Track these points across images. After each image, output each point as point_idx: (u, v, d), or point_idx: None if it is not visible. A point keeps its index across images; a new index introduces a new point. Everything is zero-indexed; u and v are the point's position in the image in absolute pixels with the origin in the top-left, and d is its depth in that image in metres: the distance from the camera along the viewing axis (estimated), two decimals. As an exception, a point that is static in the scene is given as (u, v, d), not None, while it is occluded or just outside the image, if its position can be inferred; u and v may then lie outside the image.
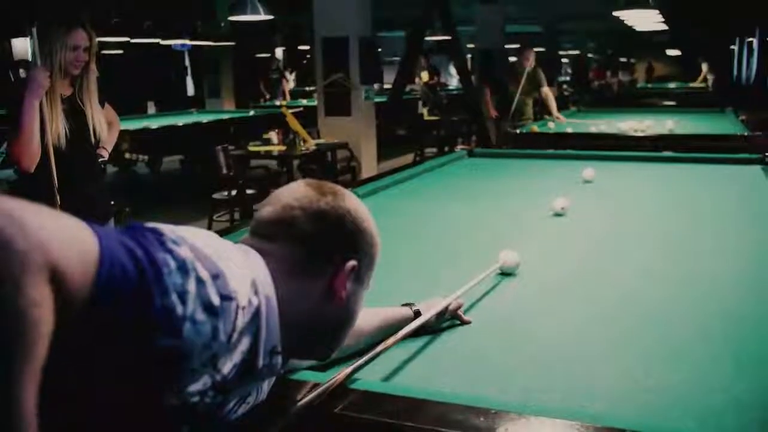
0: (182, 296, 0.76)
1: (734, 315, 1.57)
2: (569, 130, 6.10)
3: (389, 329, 1.36)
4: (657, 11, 9.36)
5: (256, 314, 0.87)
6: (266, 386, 1.02)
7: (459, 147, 4.61)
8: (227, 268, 0.84)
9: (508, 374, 1.28)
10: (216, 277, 0.81)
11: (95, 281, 0.69)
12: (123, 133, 6.65)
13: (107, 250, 0.71)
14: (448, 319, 1.52)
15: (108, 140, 2.95)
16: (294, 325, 0.96)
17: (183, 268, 0.78)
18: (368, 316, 1.34)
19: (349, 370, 1.10)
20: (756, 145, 4.56)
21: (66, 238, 0.66)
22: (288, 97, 13.32)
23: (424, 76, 11.80)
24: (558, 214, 2.60)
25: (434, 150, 9.76)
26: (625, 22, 11.94)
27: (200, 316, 0.77)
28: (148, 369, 0.76)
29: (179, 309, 0.75)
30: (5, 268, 0.59)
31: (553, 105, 6.73)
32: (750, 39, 18.41)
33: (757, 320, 1.53)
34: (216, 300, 0.80)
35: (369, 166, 7.06)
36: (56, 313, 0.63)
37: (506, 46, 11.65)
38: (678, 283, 1.81)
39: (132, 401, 0.77)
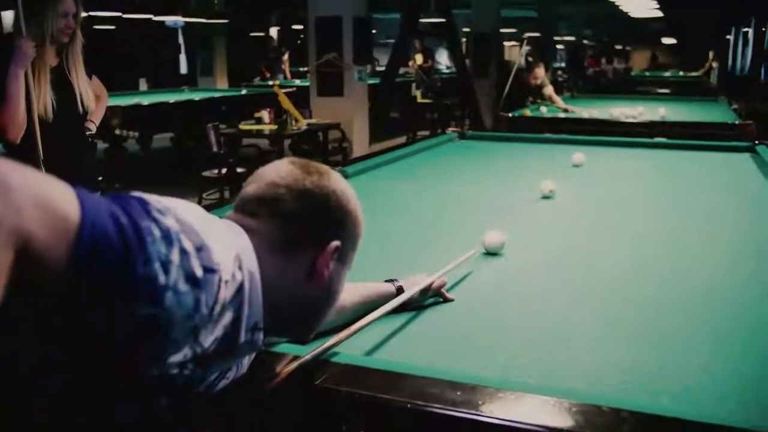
0: (165, 265, 0.76)
1: (716, 299, 1.57)
2: (561, 115, 6.10)
3: (371, 304, 1.36)
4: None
5: (240, 289, 0.87)
6: (246, 362, 1.02)
7: (450, 130, 4.59)
8: (212, 241, 0.84)
9: (488, 352, 1.28)
10: (200, 249, 0.81)
11: (75, 244, 0.69)
12: (114, 109, 6.62)
13: (90, 214, 0.71)
14: (431, 297, 1.52)
15: (96, 113, 2.92)
16: (275, 303, 0.96)
17: (167, 237, 0.78)
18: (350, 291, 1.34)
19: (329, 343, 1.09)
20: (746, 133, 4.57)
21: (44, 202, 0.67)
22: (289, 75, 13.26)
23: (418, 58, 11.76)
24: (546, 197, 2.60)
25: (427, 133, 9.75)
26: (620, 7, 11.90)
27: (183, 286, 0.77)
28: (129, 337, 0.75)
29: (161, 278, 0.75)
30: None
31: (560, 103, 6.63)
32: (746, 29, 18.41)
33: (739, 304, 1.54)
34: (199, 272, 0.79)
35: (360, 147, 7.04)
36: (13, 277, 0.64)
37: (501, 30, 11.61)
38: (662, 267, 1.82)
39: (111, 369, 0.77)
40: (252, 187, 1.03)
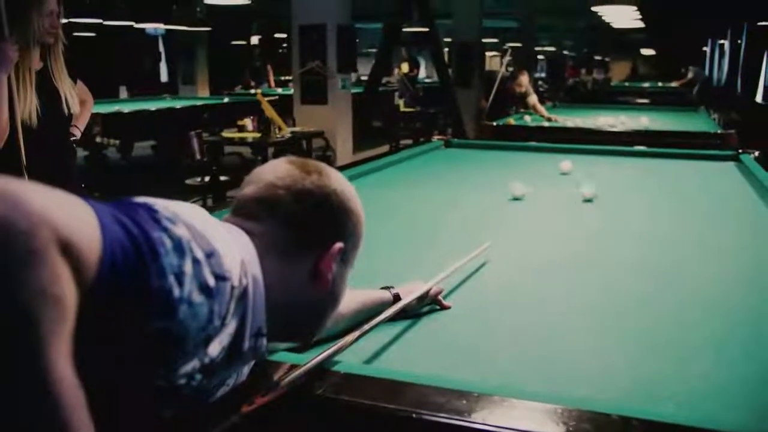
0: (179, 277, 0.73)
1: (715, 303, 1.57)
2: (545, 124, 6.12)
3: (368, 312, 1.34)
4: (635, 8, 9.42)
5: (244, 295, 0.84)
6: (246, 369, 0.99)
7: (436, 138, 4.58)
8: (220, 246, 0.81)
9: (488, 359, 1.26)
10: (210, 255, 0.78)
11: (101, 258, 0.65)
12: (94, 116, 6.55)
13: (106, 226, 0.68)
14: (428, 304, 1.50)
15: (81, 118, 2.86)
16: (278, 307, 0.93)
17: (179, 247, 0.75)
18: (348, 299, 1.31)
19: (328, 352, 1.07)
20: (729, 142, 4.62)
21: (71, 215, 0.63)
22: (273, 84, 13.21)
23: (404, 67, 11.75)
24: (516, 199, 2.60)
25: (410, 142, 9.74)
26: (603, 18, 12.01)
27: (197, 297, 0.75)
28: (141, 350, 0.73)
29: (176, 291, 0.72)
30: (12, 251, 0.56)
31: (544, 112, 6.65)
32: (722, 41, 18.67)
33: (739, 308, 1.53)
34: (211, 281, 0.77)
35: (344, 155, 7.01)
36: (77, 285, 0.61)
37: (483, 40, 11.65)
38: (659, 274, 1.81)
39: (119, 381, 0.74)
40: (250, 188, 1.00)
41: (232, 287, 0.81)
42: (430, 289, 1.47)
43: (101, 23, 11.29)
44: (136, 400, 0.77)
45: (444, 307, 1.51)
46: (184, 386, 0.79)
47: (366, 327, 1.20)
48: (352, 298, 1.34)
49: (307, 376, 1.01)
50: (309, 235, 0.98)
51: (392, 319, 1.33)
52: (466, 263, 1.70)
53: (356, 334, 1.17)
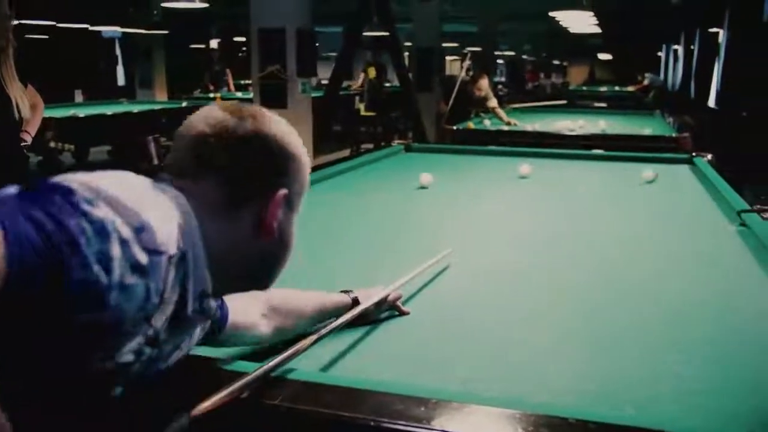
0: (106, 264, 0.69)
1: (673, 307, 1.59)
2: (504, 128, 6.17)
3: (327, 314, 1.33)
4: (591, 13, 9.57)
5: (183, 261, 0.80)
6: (199, 331, 0.97)
7: (396, 142, 4.58)
8: (151, 215, 0.76)
9: (448, 365, 1.25)
10: (141, 229, 0.73)
11: (6, 274, 0.63)
12: (48, 121, 6.39)
13: (14, 234, 0.64)
14: (387, 310, 1.49)
15: (31, 123, 2.79)
16: (225, 264, 0.90)
17: (102, 231, 0.70)
18: (308, 299, 1.32)
19: (282, 357, 1.04)
20: (683, 146, 4.71)
21: None
22: (232, 88, 13.10)
23: (371, 72, 11.69)
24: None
25: (371, 146, 9.74)
26: (560, 23, 12.18)
27: (129, 279, 0.71)
28: (75, 341, 0.70)
29: (103, 279, 0.68)
30: None
31: (503, 116, 6.69)
32: (675, 46, 19.08)
33: (693, 310, 1.55)
34: (144, 258, 0.73)
35: (305, 160, 6.97)
36: None
37: (443, 45, 11.72)
38: (619, 277, 1.83)
39: (59, 373, 0.72)
40: (182, 142, 0.94)
41: (169, 257, 0.77)
42: (389, 295, 1.45)
43: (55, 25, 11.06)
44: (80, 387, 0.74)
45: (403, 313, 1.49)
46: (134, 362, 0.77)
47: (323, 331, 1.18)
48: (312, 298, 1.33)
49: (262, 381, 0.99)
50: (248, 185, 0.93)
51: (350, 324, 1.31)
52: (426, 269, 1.69)
53: (313, 337, 1.14)
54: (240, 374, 0.97)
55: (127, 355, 0.75)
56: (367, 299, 1.38)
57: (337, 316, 1.33)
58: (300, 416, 0.96)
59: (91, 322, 0.69)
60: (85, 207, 0.70)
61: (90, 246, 0.68)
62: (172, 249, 0.77)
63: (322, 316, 1.33)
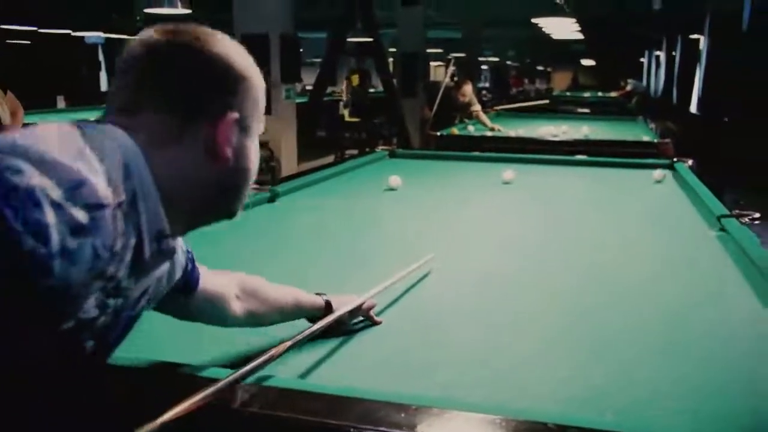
0: (41, 234, 0.65)
1: (655, 311, 1.60)
2: (488, 133, 6.20)
3: (301, 312, 1.32)
4: (574, 20, 9.64)
5: (133, 203, 0.76)
6: (166, 279, 0.95)
7: (380, 148, 4.59)
8: (89, 166, 0.71)
9: (429, 371, 1.25)
10: (77, 186, 0.69)
11: None
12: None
13: None
14: (360, 321, 1.46)
15: (11, 130, 2.77)
16: (180, 200, 0.86)
17: (31, 198, 0.65)
18: (284, 291, 1.30)
19: (255, 363, 1.03)
20: (665, 151, 4.75)
21: None
22: None
23: (354, 79, 11.69)
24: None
25: (355, 152, 9.74)
26: (543, 29, 12.26)
27: (72, 243, 0.67)
28: (29, 311, 0.67)
29: (41, 250, 0.65)
30: None
31: (487, 122, 6.72)
32: (658, 52, 19.24)
33: (677, 314, 1.57)
34: (84, 217, 0.68)
35: (289, 166, 6.96)
36: None
37: (428, 50, 11.76)
38: (599, 283, 1.84)
39: (20, 342, 0.69)
40: (119, 77, 0.88)
41: (117, 205, 0.73)
42: (364, 303, 1.42)
43: (36, 31, 10.99)
44: (45, 350, 0.72)
45: (375, 323, 1.46)
46: (99, 315, 0.75)
47: (299, 337, 1.17)
48: (287, 293, 1.32)
49: (235, 387, 0.98)
50: (194, 112, 0.87)
51: (323, 333, 1.29)
52: (407, 275, 1.69)
53: (288, 344, 1.13)
54: (213, 380, 0.97)
55: (89, 312, 0.73)
56: (341, 305, 1.35)
57: (310, 317, 1.32)
58: (278, 423, 0.96)
59: (42, 293, 0.66)
60: (10, 177, 0.66)
61: (18, 218, 0.64)
62: (117, 196, 0.73)
63: (296, 313, 1.31)
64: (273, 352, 1.08)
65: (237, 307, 1.21)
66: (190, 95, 0.86)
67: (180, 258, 1.01)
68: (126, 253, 0.75)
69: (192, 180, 0.87)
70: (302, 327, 1.26)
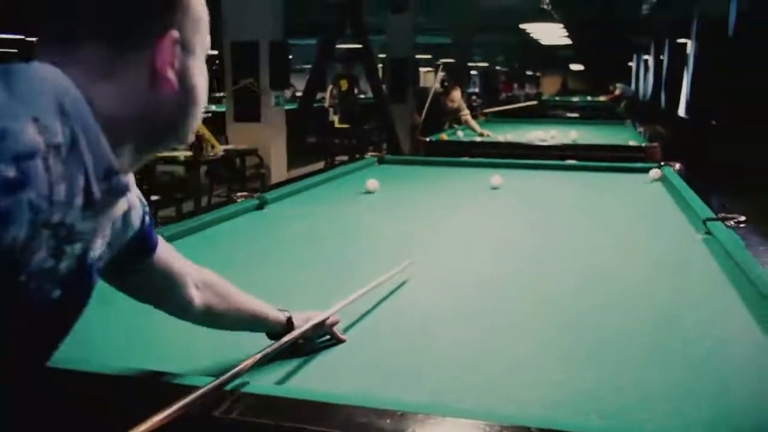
0: None
1: (643, 314, 1.61)
2: (477, 139, 6.22)
3: (259, 324, 1.28)
4: (561, 25, 9.70)
5: (73, 143, 0.72)
6: (123, 210, 0.90)
7: (369, 154, 4.59)
8: (11, 116, 0.67)
9: (417, 377, 1.26)
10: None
11: None
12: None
13: None
14: (326, 338, 1.39)
15: None
16: (127, 133, 0.82)
17: None
18: (247, 297, 1.26)
19: (231, 373, 1.03)
20: (652, 155, 4.78)
21: None
22: (206, 101, 13.07)
23: (343, 85, 11.72)
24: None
25: (345, 158, 9.75)
26: (531, 35, 12.31)
27: (3, 203, 0.63)
28: None
29: None
30: None
31: (476, 127, 6.75)
32: (646, 56, 19.37)
33: (661, 317, 1.58)
34: (11, 171, 0.64)
35: (279, 172, 6.97)
36: None
37: (417, 56, 11.79)
38: (588, 287, 1.84)
39: None
40: (48, 8, 0.83)
41: (52, 149, 0.68)
42: (327, 319, 1.35)
43: (23, 39, 10.97)
44: (8, 306, 0.70)
45: (339, 340, 1.39)
46: (57, 264, 0.73)
47: (268, 349, 1.15)
48: (251, 300, 1.27)
49: (215, 395, 0.98)
50: (130, 36, 0.82)
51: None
52: (384, 281, 1.68)
53: (257, 356, 1.11)
54: (193, 387, 0.97)
55: (44, 262, 0.70)
56: (304, 323, 1.30)
57: (270, 331, 1.29)
58: (261, 430, 0.96)
59: None
60: None
61: None
62: (50, 140, 0.69)
63: (255, 323, 1.27)
64: (244, 365, 1.07)
65: (196, 296, 1.16)
66: (124, 18, 0.81)
67: (136, 203, 0.96)
68: (73, 198, 0.72)
69: (137, 110, 0.83)
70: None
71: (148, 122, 0.84)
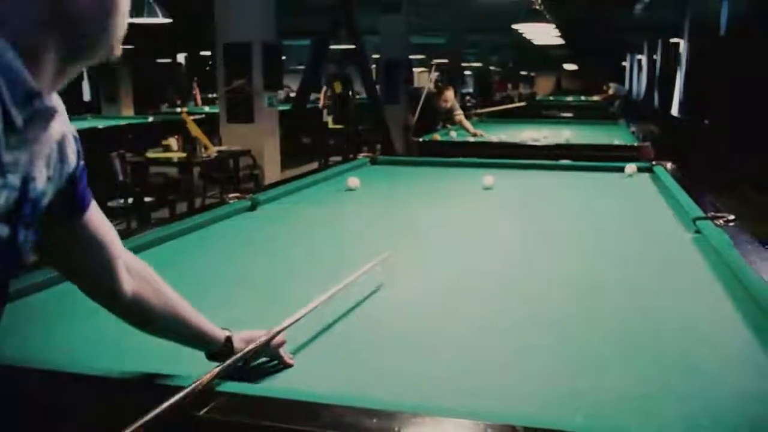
0: None
1: (630, 314, 1.62)
2: (470, 139, 6.23)
3: (194, 336, 1.16)
4: (554, 26, 9.71)
5: None
6: (58, 137, 0.86)
7: (362, 155, 4.60)
8: None
9: (401, 377, 1.26)
10: None
11: None
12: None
13: None
14: (268, 361, 1.27)
15: None
16: (44, 50, 0.76)
17: None
18: (183, 303, 1.15)
19: (214, 371, 1.05)
20: (644, 154, 4.79)
21: None
22: (199, 102, 13.09)
23: (337, 86, 11.71)
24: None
25: (339, 159, 9.74)
26: (524, 35, 12.33)
27: None
28: None
29: None
30: None
31: (469, 128, 6.75)
32: (639, 56, 19.42)
33: (647, 316, 1.58)
34: None
35: (272, 173, 6.96)
36: None
37: (411, 57, 11.79)
38: (573, 287, 1.85)
39: None
40: None
41: None
42: (271, 340, 1.23)
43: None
44: None
45: (286, 365, 1.27)
46: None
47: (225, 364, 1.10)
48: (187, 307, 1.15)
49: (198, 395, 0.99)
50: None
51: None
52: (363, 273, 1.66)
53: (215, 371, 1.07)
54: (177, 388, 0.97)
55: None
56: (244, 343, 1.20)
57: (206, 349, 1.18)
58: (241, 430, 0.96)
59: None
60: None
61: None
62: None
63: (189, 333, 1.16)
64: (226, 363, 1.08)
65: (126, 281, 1.06)
66: None
67: (69, 137, 0.92)
68: None
69: (50, 25, 0.76)
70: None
71: (65, 38, 0.78)
